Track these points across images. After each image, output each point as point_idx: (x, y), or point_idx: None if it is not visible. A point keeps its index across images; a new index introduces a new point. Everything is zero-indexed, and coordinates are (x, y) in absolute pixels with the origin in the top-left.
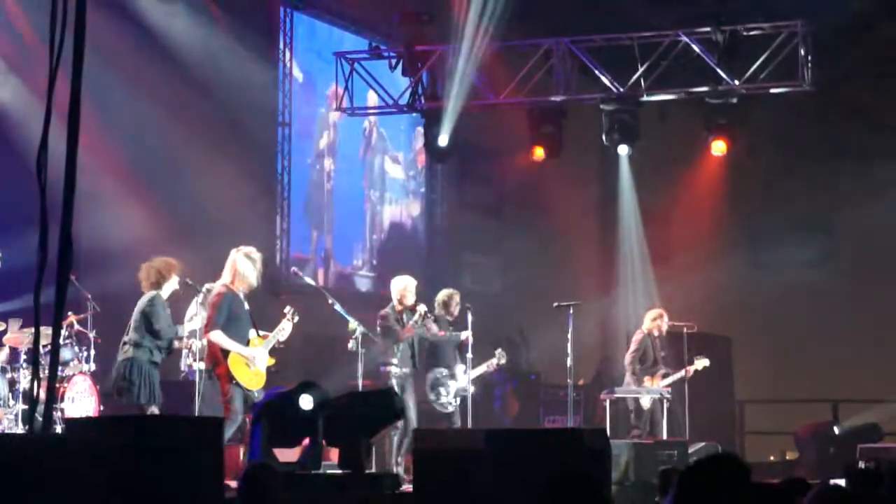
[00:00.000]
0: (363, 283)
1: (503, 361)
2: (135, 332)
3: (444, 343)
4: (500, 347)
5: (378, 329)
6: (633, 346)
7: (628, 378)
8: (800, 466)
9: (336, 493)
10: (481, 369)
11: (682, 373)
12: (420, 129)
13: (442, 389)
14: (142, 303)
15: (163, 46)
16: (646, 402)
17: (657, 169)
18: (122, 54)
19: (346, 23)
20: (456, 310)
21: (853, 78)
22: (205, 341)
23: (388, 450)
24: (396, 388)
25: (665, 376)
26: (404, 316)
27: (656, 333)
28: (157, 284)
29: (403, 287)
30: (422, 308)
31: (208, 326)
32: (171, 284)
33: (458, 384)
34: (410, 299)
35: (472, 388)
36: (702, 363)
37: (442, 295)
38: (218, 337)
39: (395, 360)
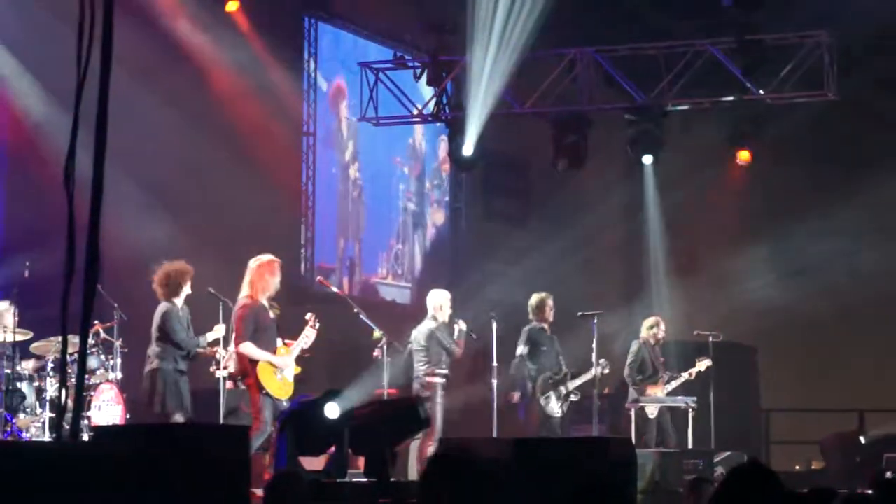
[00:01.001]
0: (389, 293)
1: (606, 371)
2: (156, 344)
3: (550, 347)
4: (604, 358)
5: (424, 343)
6: (629, 358)
7: (630, 389)
8: (826, 476)
9: (361, 501)
10: (586, 377)
11: (685, 376)
12: (444, 138)
13: (552, 394)
14: (156, 318)
15: (187, 56)
16: (652, 411)
17: (682, 178)
18: (148, 64)
19: (370, 33)
20: (550, 314)
21: (878, 87)
22: (230, 351)
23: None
24: (440, 397)
25: (669, 381)
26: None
27: (653, 342)
28: (174, 292)
29: (440, 302)
30: (461, 324)
31: (238, 339)
32: (185, 291)
33: (564, 389)
34: (447, 314)
35: (575, 397)
36: (704, 364)
37: (534, 300)
38: (248, 349)
39: (444, 370)
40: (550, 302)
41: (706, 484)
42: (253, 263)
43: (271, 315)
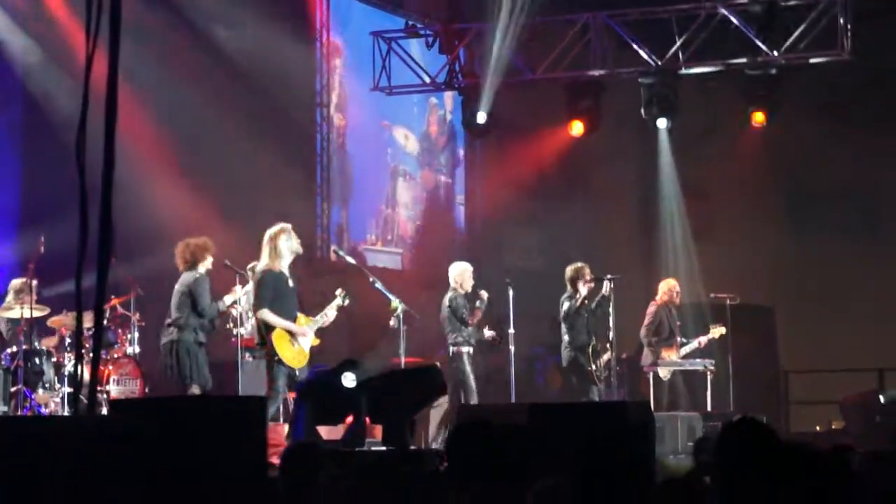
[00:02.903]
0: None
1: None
2: (177, 312)
3: (589, 314)
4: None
5: (446, 312)
6: (647, 319)
7: (646, 350)
8: (846, 435)
9: (380, 469)
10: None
11: (697, 343)
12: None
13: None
14: (186, 282)
15: (201, 29)
16: (665, 374)
17: (697, 142)
18: (159, 37)
19: (381, 2)
20: (582, 285)
21: (893, 45)
22: (248, 313)
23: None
24: (468, 367)
25: (683, 346)
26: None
27: (671, 304)
28: (193, 265)
29: (460, 273)
30: (484, 294)
31: (256, 305)
32: (206, 265)
33: (606, 355)
34: (468, 285)
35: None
36: (718, 331)
37: (569, 271)
38: (266, 315)
39: (462, 339)
40: (586, 270)
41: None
42: (266, 235)
43: (290, 284)
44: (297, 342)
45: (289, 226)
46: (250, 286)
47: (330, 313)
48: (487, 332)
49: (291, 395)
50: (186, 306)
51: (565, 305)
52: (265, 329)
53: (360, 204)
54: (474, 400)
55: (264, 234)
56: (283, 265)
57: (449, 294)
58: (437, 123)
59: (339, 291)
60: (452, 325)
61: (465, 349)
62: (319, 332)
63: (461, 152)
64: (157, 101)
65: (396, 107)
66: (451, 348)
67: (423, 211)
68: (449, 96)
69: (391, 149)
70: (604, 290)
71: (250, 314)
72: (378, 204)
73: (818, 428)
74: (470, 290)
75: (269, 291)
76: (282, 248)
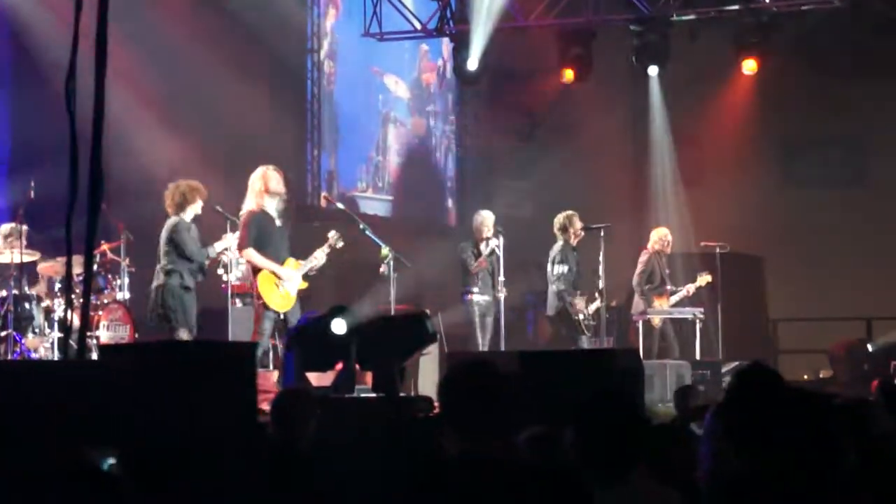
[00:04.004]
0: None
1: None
2: (165, 258)
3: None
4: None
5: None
6: (639, 267)
7: (637, 298)
8: (834, 384)
9: (370, 416)
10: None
11: (685, 291)
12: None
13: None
14: (167, 228)
15: None
16: (657, 322)
17: (687, 89)
18: None
19: None
20: (572, 234)
21: None
22: (239, 259)
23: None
24: (478, 315)
25: (673, 294)
26: (481, 247)
27: (662, 253)
28: (181, 207)
29: (480, 221)
30: (493, 242)
31: (240, 245)
32: (195, 208)
33: (595, 304)
34: (486, 233)
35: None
36: (704, 279)
37: (559, 219)
38: (250, 255)
39: (475, 289)
40: (576, 219)
41: (693, 391)
42: (252, 176)
43: (278, 224)
44: (282, 285)
45: (272, 167)
46: None
47: (319, 255)
48: (493, 242)
49: (273, 343)
50: (173, 252)
51: (554, 253)
52: (253, 270)
53: (351, 151)
54: (480, 349)
55: None
56: (269, 206)
57: (462, 243)
58: (430, 70)
59: (332, 233)
60: (462, 272)
61: (473, 297)
62: (308, 278)
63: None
64: (147, 47)
65: (386, 53)
66: (464, 296)
67: (413, 158)
68: (447, 44)
69: (382, 95)
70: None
71: (241, 260)
72: (368, 151)
73: (806, 377)
74: (484, 238)
75: (253, 230)
76: (265, 188)
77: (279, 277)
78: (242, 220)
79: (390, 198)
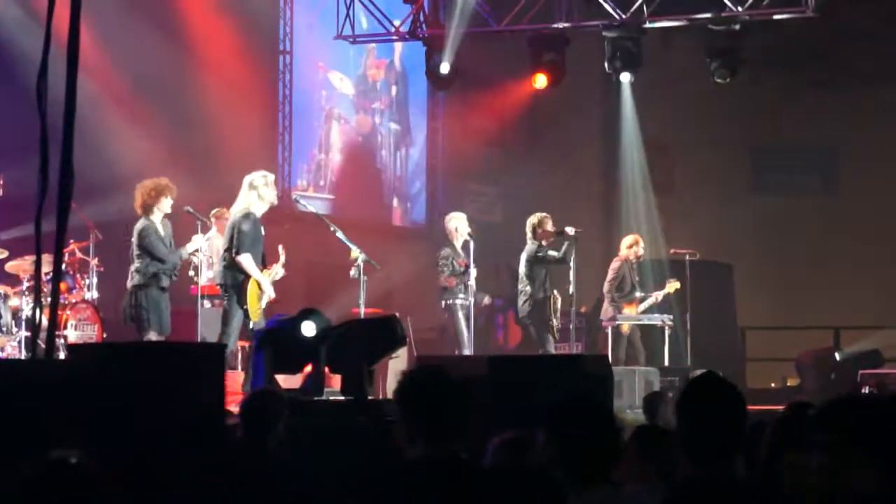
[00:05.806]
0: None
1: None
2: (138, 260)
3: (553, 264)
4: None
5: (440, 266)
6: (610, 275)
7: (606, 305)
8: (801, 392)
9: (338, 419)
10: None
11: (653, 298)
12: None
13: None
14: (136, 231)
15: None
16: (626, 328)
17: (660, 96)
18: None
19: None
20: (543, 233)
21: (856, 3)
22: (211, 259)
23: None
24: (462, 319)
25: (643, 301)
26: (459, 250)
27: (633, 260)
28: (149, 208)
29: (455, 224)
30: (465, 241)
31: (238, 248)
32: (164, 207)
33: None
34: (464, 234)
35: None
36: (673, 286)
37: (531, 221)
38: (246, 260)
39: (461, 295)
40: (548, 220)
41: (662, 397)
42: (249, 179)
43: (262, 232)
44: (265, 299)
45: (272, 175)
46: (212, 232)
47: (279, 270)
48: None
49: (242, 344)
50: (146, 254)
51: (526, 255)
52: (238, 274)
53: (294, 148)
54: (464, 353)
55: (227, 179)
56: (259, 211)
57: (446, 248)
58: (377, 67)
59: (280, 248)
60: (448, 278)
61: (460, 301)
62: (277, 281)
63: (411, 98)
64: (118, 44)
65: (331, 49)
66: (446, 301)
67: (357, 156)
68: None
69: (325, 91)
70: (569, 233)
71: (213, 260)
72: (311, 149)
73: (773, 385)
74: (460, 240)
75: (251, 236)
76: (263, 195)
77: (262, 290)
78: (240, 221)
79: (331, 196)
